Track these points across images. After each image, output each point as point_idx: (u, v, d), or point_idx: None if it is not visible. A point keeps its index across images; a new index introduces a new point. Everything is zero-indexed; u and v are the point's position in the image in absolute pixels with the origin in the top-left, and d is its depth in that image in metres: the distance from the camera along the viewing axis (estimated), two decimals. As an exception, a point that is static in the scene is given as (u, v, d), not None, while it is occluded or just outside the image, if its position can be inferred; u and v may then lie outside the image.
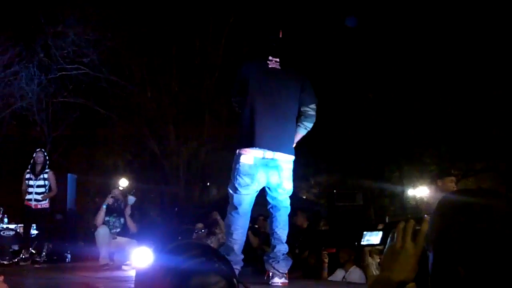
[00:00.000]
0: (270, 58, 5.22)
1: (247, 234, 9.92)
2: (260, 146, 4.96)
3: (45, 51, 18.57)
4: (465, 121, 20.29)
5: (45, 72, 18.62)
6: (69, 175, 13.12)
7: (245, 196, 5.08)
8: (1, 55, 17.69)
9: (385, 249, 1.65)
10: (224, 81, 18.79)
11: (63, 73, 18.90)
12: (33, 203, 10.08)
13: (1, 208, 11.00)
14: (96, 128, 21.26)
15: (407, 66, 20.38)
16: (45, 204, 10.20)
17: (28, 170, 10.23)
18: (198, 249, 1.48)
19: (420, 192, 24.44)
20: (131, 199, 10.40)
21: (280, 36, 5.42)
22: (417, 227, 1.56)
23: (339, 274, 7.50)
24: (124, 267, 8.32)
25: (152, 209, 21.35)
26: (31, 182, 10.12)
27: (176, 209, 19.96)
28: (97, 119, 20.38)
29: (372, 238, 2.01)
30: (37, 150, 10.45)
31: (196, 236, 10.98)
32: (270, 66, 5.17)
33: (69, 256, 11.51)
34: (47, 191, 10.21)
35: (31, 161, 10.25)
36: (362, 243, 2.06)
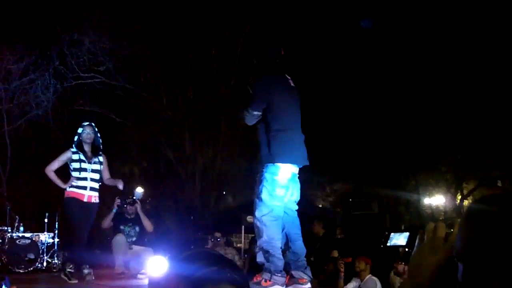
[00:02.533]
0: (287, 75, 5.48)
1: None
2: (296, 163, 5.26)
3: (61, 59, 18.65)
4: (481, 129, 20.14)
5: (60, 80, 18.70)
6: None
7: (279, 207, 5.21)
8: (17, 63, 17.80)
9: (413, 252, 1.57)
10: (240, 89, 18.82)
11: (79, 81, 18.99)
12: (87, 193, 7.59)
13: (17, 217, 10.97)
14: (112, 136, 21.33)
15: (424, 74, 20.30)
16: (98, 197, 7.81)
17: (73, 149, 7.71)
18: (211, 258, 1.46)
19: (436, 200, 24.31)
20: (138, 193, 10.06)
21: (282, 53, 5.58)
22: (448, 231, 1.50)
23: (354, 283, 7.46)
24: (139, 276, 8.30)
25: (168, 217, 21.38)
26: (83, 165, 7.63)
27: (192, 217, 19.96)
28: (113, 126, 20.43)
29: (399, 240, 1.96)
30: (85, 124, 7.94)
31: (212, 245, 10.95)
32: (291, 84, 5.46)
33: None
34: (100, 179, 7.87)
35: (76, 139, 7.79)
36: (388, 244, 2.01)
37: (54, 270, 10.42)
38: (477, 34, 19.03)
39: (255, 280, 5.05)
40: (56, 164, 7.76)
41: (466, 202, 22.70)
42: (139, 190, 10.13)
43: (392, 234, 1.97)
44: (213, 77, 20.40)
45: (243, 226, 14.96)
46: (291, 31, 18.31)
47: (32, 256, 10.24)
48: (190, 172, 20.67)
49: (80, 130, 7.82)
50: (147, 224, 9.80)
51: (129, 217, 9.73)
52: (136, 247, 9.49)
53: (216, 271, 1.44)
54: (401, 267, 6.91)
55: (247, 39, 19.79)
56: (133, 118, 20.85)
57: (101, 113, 19.49)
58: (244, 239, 15.03)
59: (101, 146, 8.04)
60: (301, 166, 5.32)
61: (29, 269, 9.95)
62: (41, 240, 10.86)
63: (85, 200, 7.54)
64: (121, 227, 9.56)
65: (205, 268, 1.43)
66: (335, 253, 8.50)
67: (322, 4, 19.59)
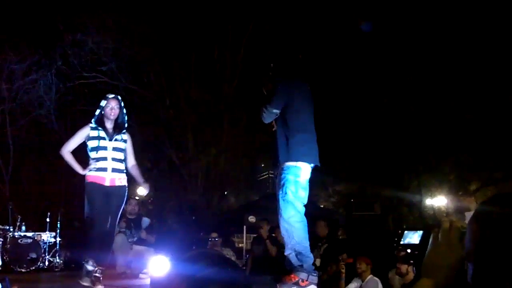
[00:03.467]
0: (304, 79, 5.68)
1: (267, 244, 9.94)
2: (313, 163, 5.39)
3: (64, 59, 18.68)
4: (485, 129, 20.10)
5: (63, 80, 18.73)
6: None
7: (303, 208, 5.31)
8: (20, 63, 17.83)
9: (428, 251, 1.54)
10: (243, 89, 18.81)
11: (82, 81, 19.00)
12: (108, 176, 6.43)
13: (19, 216, 10.96)
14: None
15: (426, 73, 20.27)
16: (124, 179, 6.62)
17: (93, 125, 6.59)
18: (213, 258, 1.45)
19: (438, 201, 24.26)
20: (146, 221, 10.07)
21: (300, 57, 5.89)
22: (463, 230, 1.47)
23: (356, 284, 7.47)
24: (141, 276, 8.31)
25: (171, 217, 21.39)
26: (102, 143, 6.48)
27: (194, 217, 19.96)
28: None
29: (413, 238, 1.94)
30: (110, 96, 6.68)
31: (211, 245, 10.98)
32: (308, 88, 5.66)
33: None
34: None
35: (97, 113, 6.61)
36: (402, 242, 2.00)
37: (56, 270, 10.43)
38: (479, 33, 19.00)
39: (292, 280, 5.08)
40: (72, 143, 6.69)
41: (469, 203, 22.64)
42: (146, 220, 10.13)
43: (406, 232, 1.96)
44: (216, 78, 20.39)
45: (244, 226, 14.96)
46: (293, 31, 18.32)
47: (34, 256, 10.25)
48: (193, 172, 20.65)
49: (103, 103, 6.59)
50: (149, 239, 9.83)
51: (130, 217, 9.74)
52: (137, 247, 9.50)
53: (219, 271, 1.44)
54: (404, 267, 6.90)
55: (250, 40, 19.78)
56: (136, 119, 20.85)
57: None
58: (246, 239, 15.03)
59: (126, 125, 6.75)
60: (313, 167, 5.42)
61: (31, 269, 9.96)
62: (43, 240, 10.87)
63: (106, 183, 6.36)
64: (123, 229, 9.53)
65: (208, 268, 1.43)
66: (344, 256, 8.48)
67: (321, 4, 19.56)
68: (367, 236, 10.49)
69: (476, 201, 21.82)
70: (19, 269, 9.76)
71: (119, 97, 6.74)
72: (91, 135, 6.52)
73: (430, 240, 1.55)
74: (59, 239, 11.15)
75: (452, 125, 20.76)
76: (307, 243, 5.23)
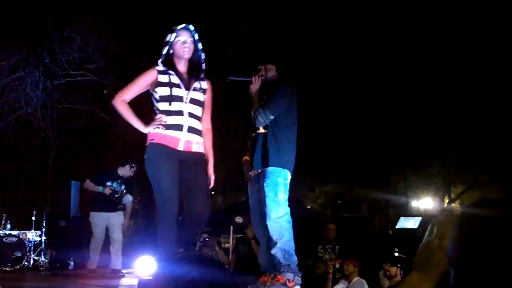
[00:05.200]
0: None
1: (252, 244, 9.96)
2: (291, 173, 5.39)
3: (51, 56, 18.56)
4: (472, 132, 20.21)
5: (50, 78, 18.61)
6: (72, 182, 13.08)
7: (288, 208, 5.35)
8: (7, 60, 17.71)
9: (421, 244, 1.51)
10: (232, 89, 18.78)
11: (69, 79, 18.89)
12: (183, 136, 4.67)
13: (4, 214, 10.91)
14: (102, 135, 21.23)
15: (414, 77, 20.35)
16: (202, 145, 4.87)
17: (160, 68, 4.77)
18: (201, 260, 1.44)
19: (424, 203, 24.37)
20: (129, 198, 9.86)
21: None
22: None
23: (342, 285, 7.50)
24: (127, 275, 8.28)
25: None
26: (175, 91, 4.69)
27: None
28: (103, 125, 20.33)
29: (408, 223, 1.91)
30: (179, 28, 4.84)
31: (200, 246, 10.95)
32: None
33: (72, 263, 11.44)
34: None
35: (164, 52, 4.79)
36: (397, 227, 1.98)
37: (41, 269, 10.38)
38: (466, 37, 19.09)
39: (280, 281, 5.03)
40: (130, 91, 4.93)
41: (453, 205, 22.77)
42: (130, 197, 9.97)
43: (401, 218, 1.94)
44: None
45: (231, 227, 14.95)
46: (282, 31, 18.36)
47: (19, 254, 10.21)
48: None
49: (170, 37, 4.79)
50: (126, 224, 9.81)
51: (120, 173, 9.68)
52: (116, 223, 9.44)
53: (207, 272, 1.42)
54: (394, 270, 6.90)
55: (239, 39, 19.77)
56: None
57: (92, 112, 19.39)
58: (233, 239, 15.01)
59: (204, 65, 4.92)
60: None
61: (16, 267, 9.91)
62: (28, 238, 10.83)
63: (180, 148, 4.62)
64: (108, 183, 9.42)
65: (196, 269, 1.42)
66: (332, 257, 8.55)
67: (311, 3, 19.59)
68: (354, 237, 10.53)
69: (462, 204, 21.98)
70: (3, 268, 9.72)
71: (191, 27, 4.84)
72: (159, 80, 4.72)
73: (427, 231, 1.51)
74: (45, 238, 11.11)
75: (439, 128, 20.86)
76: (293, 244, 5.23)
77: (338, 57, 20.24)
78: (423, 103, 20.63)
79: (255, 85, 5.46)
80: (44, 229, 11.12)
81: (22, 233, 10.95)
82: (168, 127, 4.63)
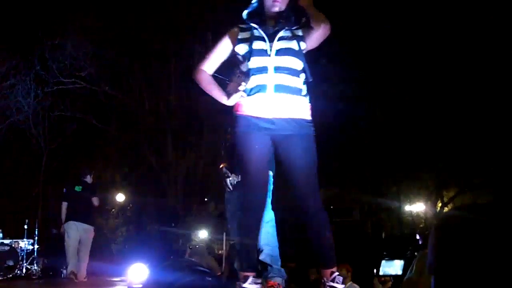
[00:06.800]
0: None
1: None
2: None
3: (42, 63, 18.52)
4: (463, 136, 20.26)
5: (41, 86, 18.56)
6: (65, 189, 13.01)
7: None
8: (-2, 68, 17.66)
9: (404, 281, 1.52)
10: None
11: (60, 86, 18.84)
12: (269, 99, 3.54)
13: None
14: (94, 141, 21.20)
15: (405, 81, 20.37)
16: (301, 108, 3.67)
17: (242, 25, 3.86)
18: (191, 267, 1.44)
19: (417, 207, 24.42)
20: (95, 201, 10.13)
21: None
22: None
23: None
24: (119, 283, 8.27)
25: (150, 224, 21.27)
26: (258, 45, 3.64)
27: (173, 224, 19.86)
28: (94, 132, 20.31)
29: (391, 268, 1.93)
30: None
31: (190, 252, 10.92)
32: None
33: (65, 271, 11.38)
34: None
35: (252, 5, 3.84)
36: (381, 274, 1.99)
37: (34, 277, 10.33)
38: (456, 41, 19.14)
39: (274, 286, 5.05)
40: (210, 59, 3.99)
41: (446, 209, 22.80)
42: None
43: (383, 261, 1.95)
44: (196, 83, 20.30)
45: (224, 233, 14.94)
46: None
47: (11, 263, 10.15)
48: (172, 177, 20.57)
49: None
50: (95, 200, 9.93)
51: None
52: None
53: (197, 279, 1.43)
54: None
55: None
56: (115, 123, 20.73)
57: (83, 119, 19.35)
58: (226, 246, 14.98)
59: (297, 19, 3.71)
60: None
61: (8, 276, 9.85)
62: (21, 247, 10.77)
63: (267, 115, 3.53)
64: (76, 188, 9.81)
65: (187, 276, 1.42)
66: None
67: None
68: (347, 242, 10.53)
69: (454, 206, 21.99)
70: (-5, 277, 9.66)
71: None
72: (240, 37, 3.79)
73: (410, 267, 1.54)
74: (37, 246, 11.05)
75: (430, 132, 20.89)
76: (277, 249, 5.19)
77: (336, 57, 20.25)
78: (415, 107, 20.66)
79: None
80: (36, 237, 11.07)
81: (14, 241, 10.90)
82: (250, 90, 3.61)
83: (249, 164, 3.62)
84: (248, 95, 3.61)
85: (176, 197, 20.45)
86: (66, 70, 18.67)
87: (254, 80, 3.58)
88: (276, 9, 3.67)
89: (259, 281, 3.76)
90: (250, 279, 3.65)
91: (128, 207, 21.13)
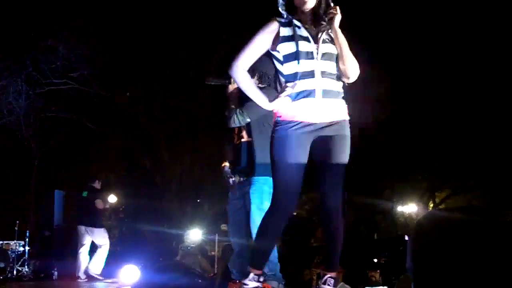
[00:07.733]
0: None
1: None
2: None
3: (34, 65, 18.42)
4: (458, 138, 20.31)
5: (33, 87, 18.46)
6: (56, 191, 13.02)
7: None
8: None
9: None
10: (218, 97, 18.73)
11: (51, 87, 18.74)
12: (317, 105, 3.52)
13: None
14: (87, 144, 21.11)
15: (398, 83, 20.39)
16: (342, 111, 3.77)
17: (282, 19, 3.60)
18: (182, 268, 1.42)
19: (409, 209, 24.45)
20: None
21: None
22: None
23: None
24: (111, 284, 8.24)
25: (144, 226, 21.23)
26: (304, 46, 3.50)
27: (165, 225, 19.84)
28: (88, 134, 20.23)
29: None
30: None
31: (182, 253, 10.93)
32: None
33: (56, 273, 11.34)
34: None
35: None
36: None
37: (25, 279, 10.29)
38: (454, 42, 19.19)
39: None
40: (249, 55, 3.64)
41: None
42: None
43: None
44: (192, 85, 20.28)
45: (217, 234, 14.96)
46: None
47: (1, 265, 10.13)
48: (167, 180, 20.56)
49: None
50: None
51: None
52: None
53: (188, 280, 1.40)
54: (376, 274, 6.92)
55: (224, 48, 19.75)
56: (110, 125, 20.65)
57: (75, 120, 19.26)
58: (218, 247, 14.99)
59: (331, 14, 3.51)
60: None
61: (-1, 278, 9.81)
62: (11, 249, 10.73)
63: (314, 120, 3.51)
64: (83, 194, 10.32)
65: (179, 278, 1.40)
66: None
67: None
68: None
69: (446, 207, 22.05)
70: (-14, 279, 9.61)
71: None
72: (282, 34, 3.53)
73: None
74: (28, 248, 11.01)
75: (425, 133, 20.93)
76: (276, 252, 5.09)
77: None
78: (408, 108, 20.70)
79: (233, 88, 5.26)
80: (27, 239, 11.03)
81: (5, 243, 10.86)
82: (297, 95, 3.48)
83: (288, 169, 3.67)
84: (294, 99, 3.51)
85: (170, 200, 20.46)
86: (58, 70, 18.58)
87: (301, 85, 3.48)
88: (308, 5, 3.51)
89: (262, 279, 3.86)
90: (261, 277, 3.80)
91: (121, 209, 21.05)
